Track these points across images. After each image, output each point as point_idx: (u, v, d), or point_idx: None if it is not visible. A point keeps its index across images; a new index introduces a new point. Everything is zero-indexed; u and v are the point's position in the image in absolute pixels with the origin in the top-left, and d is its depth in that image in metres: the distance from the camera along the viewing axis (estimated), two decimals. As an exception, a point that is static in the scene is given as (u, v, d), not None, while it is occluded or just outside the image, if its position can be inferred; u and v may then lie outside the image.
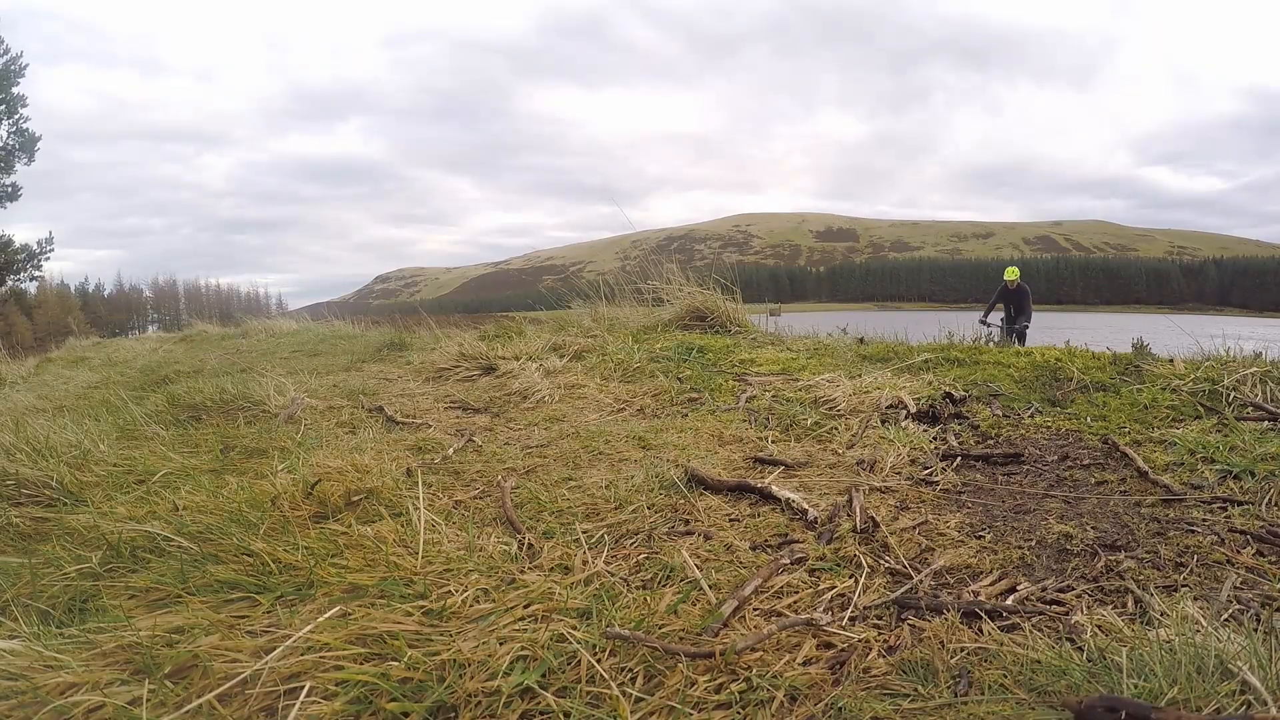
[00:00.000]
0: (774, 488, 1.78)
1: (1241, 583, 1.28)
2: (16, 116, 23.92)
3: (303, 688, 0.98)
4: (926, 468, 2.01)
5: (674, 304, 5.37)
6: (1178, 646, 0.98)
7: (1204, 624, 1.06)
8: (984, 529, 1.58)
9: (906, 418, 2.51)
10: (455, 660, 1.03)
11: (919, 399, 2.65)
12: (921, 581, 1.33)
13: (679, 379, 3.35)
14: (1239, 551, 1.40)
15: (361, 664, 1.03)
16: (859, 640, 1.14)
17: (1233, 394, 2.47)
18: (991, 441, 2.27)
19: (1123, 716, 0.84)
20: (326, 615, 1.14)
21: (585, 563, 1.40)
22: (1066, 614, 1.20)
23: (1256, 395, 2.46)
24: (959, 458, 2.09)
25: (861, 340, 4.40)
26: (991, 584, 1.32)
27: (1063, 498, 1.75)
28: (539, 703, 0.97)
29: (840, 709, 0.97)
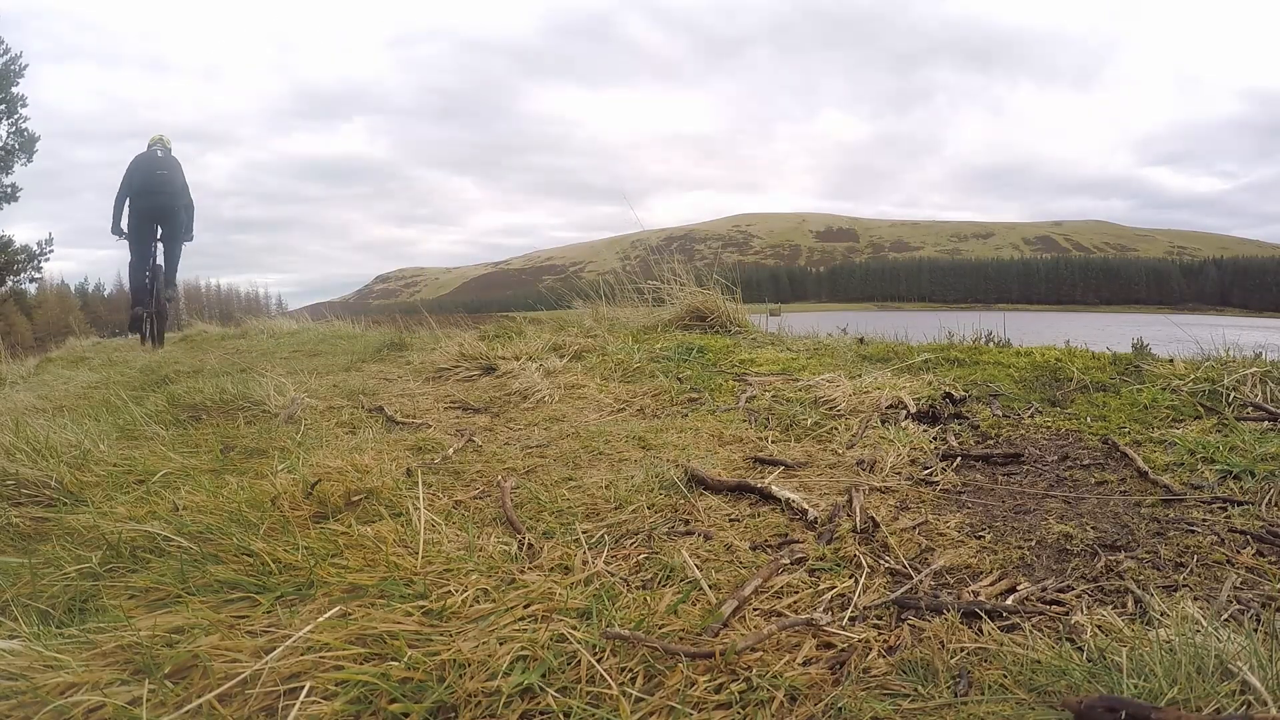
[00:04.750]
0: (774, 488, 1.78)
1: (1241, 583, 1.28)
2: (16, 117, 23.95)
3: (303, 688, 0.98)
4: (926, 468, 2.01)
5: (674, 304, 5.37)
6: (1178, 646, 0.99)
7: (1204, 624, 1.06)
8: (984, 529, 1.58)
9: (906, 418, 2.51)
10: (455, 660, 1.03)
11: (919, 399, 2.65)
12: (921, 581, 1.33)
13: (679, 379, 3.35)
14: (1239, 551, 1.40)
15: (361, 664, 1.03)
16: (859, 640, 1.14)
17: (1233, 394, 2.47)
18: (991, 441, 2.27)
19: (1123, 716, 0.84)
20: (326, 615, 1.14)
21: (585, 563, 1.40)
22: (1066, 614, 1.20)
23: (1256, 395, 2.46)
24: (959, 458, 2.09)
25: (861, 340, 4.40)
26: (991, 584, 1.32)
27: (1063, 498, 1.75)
28: (539, 703, 0.97)
29: (840, 709, 0.97)
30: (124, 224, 6.46)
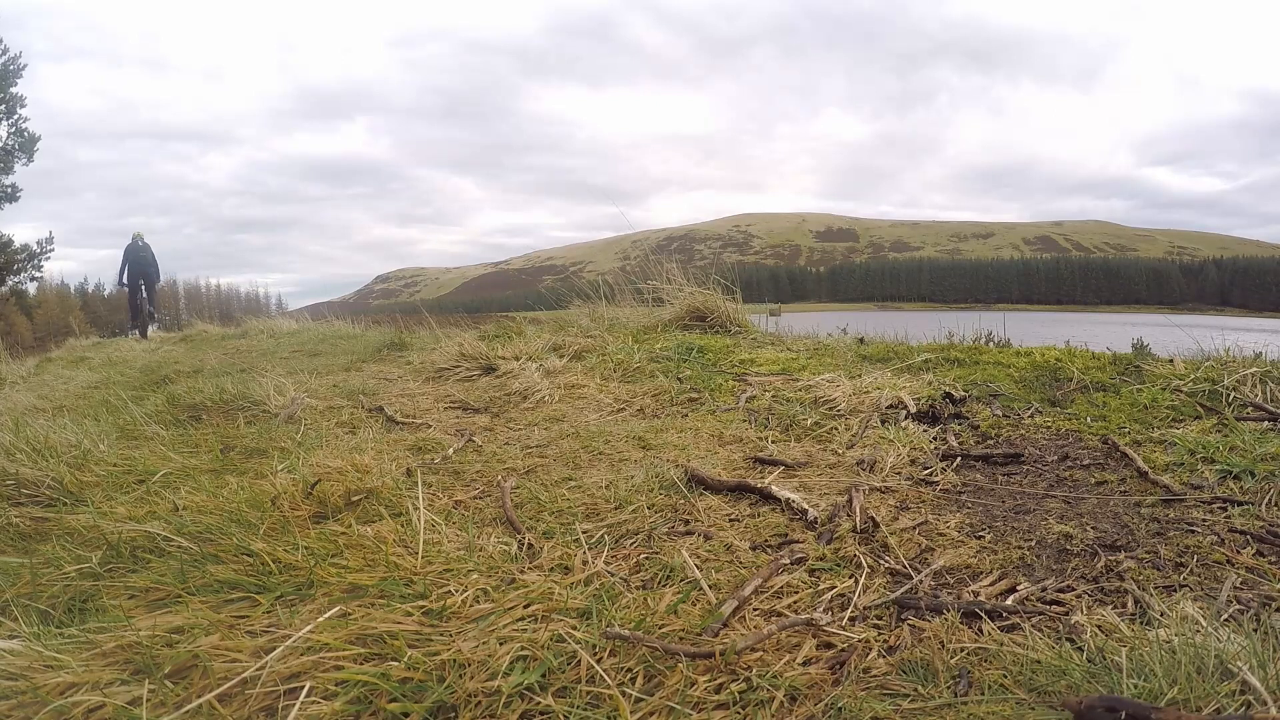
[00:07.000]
0: (774, 488, 1.78)
1: (1241, 583, 1.28)
2: (16, 117, 23.92)
3: (303, 688, 0.98)
4: (926, 468, 2.01)
5: (674, 304, 5.37)
6: (1178, 646, 0.99)
7: (1204, 624, 1.06)
8: (984, 529, 1.58)
9: (906, 418, 2.51)
10: (455, 660, 1.03)
11: (919, 399, 2.65)
12: (921, 581, 1.33)
13: (679, 379, 3.35)
14: (1239, 551, 1.40)
15: (361, 664, 1.03)
16: (859, 640, 1.14)
17: (1233, 394, 2.47)
18: (991, 441, 2.27)
19: (1123, 716, 0.84)
20: (326, 615, 1.14)
21: (585, 563, 1.40)
22: (1066, 614, 1.20)
23: (1256, 395, 2.46)
24: (959, 458, 2.09)
25: (861, 340, 4.40)
26: (991, 584, 1.32)
27: (1063, 498, 1.75)
28: (539, 703, 0.97)
29: (840, 709, 0.97)
30: (124, 279, 12.64)
